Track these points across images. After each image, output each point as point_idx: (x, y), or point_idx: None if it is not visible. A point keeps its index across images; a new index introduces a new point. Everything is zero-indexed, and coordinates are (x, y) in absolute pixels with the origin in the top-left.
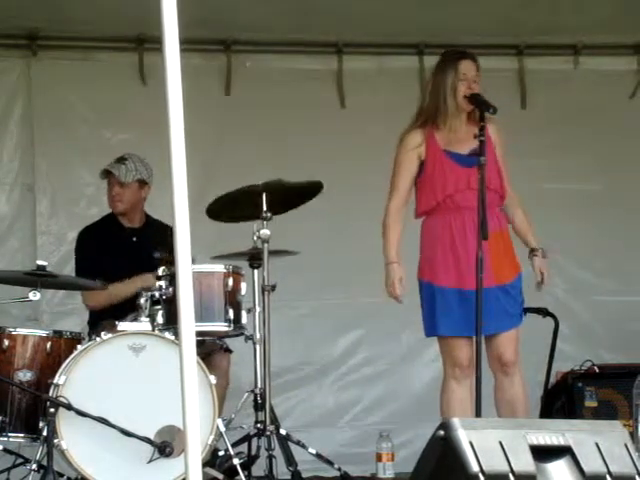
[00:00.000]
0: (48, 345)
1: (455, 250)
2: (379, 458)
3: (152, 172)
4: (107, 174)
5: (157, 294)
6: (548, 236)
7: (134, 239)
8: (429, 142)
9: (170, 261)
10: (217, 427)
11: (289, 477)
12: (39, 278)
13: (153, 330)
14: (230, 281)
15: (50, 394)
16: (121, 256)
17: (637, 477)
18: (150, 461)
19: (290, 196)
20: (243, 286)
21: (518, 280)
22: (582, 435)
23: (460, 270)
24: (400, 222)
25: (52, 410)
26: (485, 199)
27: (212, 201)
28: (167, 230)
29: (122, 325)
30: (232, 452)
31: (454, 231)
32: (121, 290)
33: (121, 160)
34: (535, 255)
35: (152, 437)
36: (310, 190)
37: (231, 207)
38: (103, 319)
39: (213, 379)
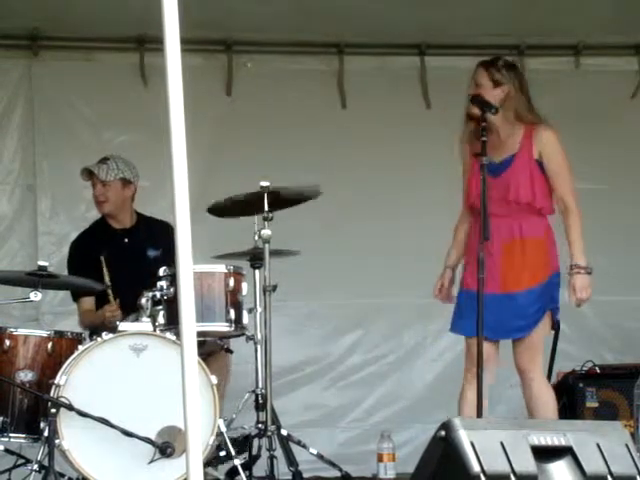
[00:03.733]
0: (49, 345)
1: (476, 254)
2: (380, 458)
3: (137, 172)
4: (88, 174)
5: (158, 294)
6: None
7: (125, 240)
8: (470, 148)
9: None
10: (218, 427)
11: (290, 477)
12: (40, 278)
13: (154, 330)
14: (231, 281)
15: (51, 394)
16: (115, 259)
17: (638, 477)
18: (151, 461)
19: (288, 200)
20: (244, 286)
21: (533, 290)
22: (583, 435)
23: (489, 275)
24: (466, 224)
25: (53, 410)
26: (487, 200)
27: (212, 204)
28: (160, 226)
29: (123, 325)
30: (233, 452)
31: (476, 236)
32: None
33: (103, 160)
34: (570, 272)
35: (153, 437)
36: (308, 196)
37: (232, 208)
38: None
39: (214, 379)
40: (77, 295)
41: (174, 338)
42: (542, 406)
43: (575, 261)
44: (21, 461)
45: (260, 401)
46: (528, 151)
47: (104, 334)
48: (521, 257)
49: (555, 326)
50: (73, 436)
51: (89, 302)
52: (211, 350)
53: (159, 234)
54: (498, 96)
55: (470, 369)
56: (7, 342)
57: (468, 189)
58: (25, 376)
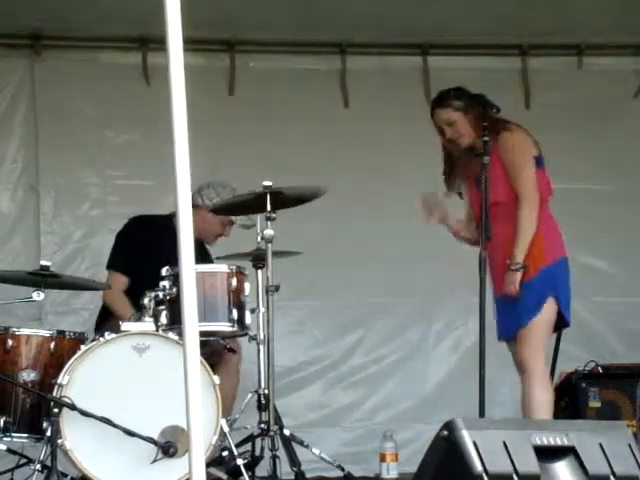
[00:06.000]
0: (52, 345)
1: (488, 258)
2: (383, 458)
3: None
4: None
5: (161, 294)
6: None
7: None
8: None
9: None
10: (221, 427)
11: (293, 477)
12: (43, 278)
13: (157, 330)
14: (234, 281)
15: (54, 394)
16: (161, 256)
17: None
18: (154, 461)
19: (292, 200)
20: (247, 286)
21: (525, 286)
22: (586, 435)
23: (490, 277)
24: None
25: (56, 410)
26: (489, 199)
27: (215, 203)
28: (202, 246)
29: (126, 325)
30: (236, 452)
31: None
32: (124, 313)
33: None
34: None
35: (156, 437)
36: (312, 196)
37: (234, 207)
38: (108, 319)
39: (217, 379)
40: (114, 265)
41: (177, 338)
42: (535, 405)
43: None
44: (23, 461)
45: (263, 401)
46: (496, 156)
47: (107, 334)
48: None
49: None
50: (75, 436)
51: (123, 282)
52: (214, 350)
53: (200, 253)
54: (474, 118)
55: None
56: (10, 342)
57: (472, 204)
58: (27, 376)
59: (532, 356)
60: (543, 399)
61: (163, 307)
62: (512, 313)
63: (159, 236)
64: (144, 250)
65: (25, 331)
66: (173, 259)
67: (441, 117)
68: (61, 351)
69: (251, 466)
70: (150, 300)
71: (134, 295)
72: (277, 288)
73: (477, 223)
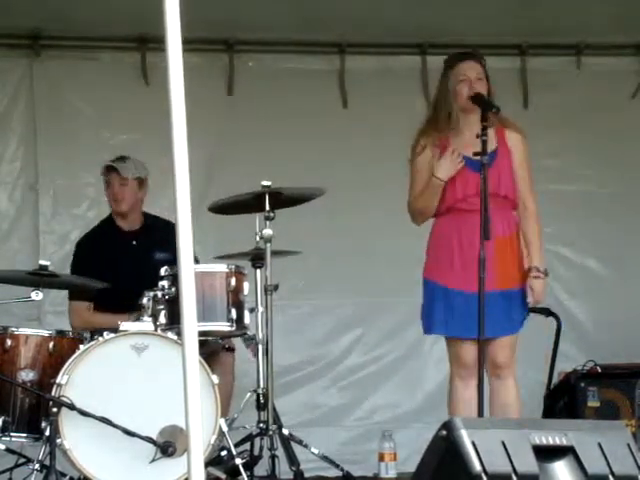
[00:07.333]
0: (50, 345)
1: (461, 252)
2: (381, 458)
3: (148, 175)
4: (109, 170)
5: (160, 294)
6: (549, 236)
7: (134, 242)
8: (442, 148)
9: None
10: (219, 427)
11: (291, 477)
12: (41, 278)
13: (155, 330)
14: (233, 281)
15: (52, 394)
16: (122, 261)
17: None
18: (152, 461)
19: (291, 200)
20: (245, 286)
21: (524, 287)
22: (585, 435)
23: (464, 272)
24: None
25: (55, 410)
26: (488, 199)
27: (214, 203)
28: (168, 228)
29: (124, 325)
30: (234, 452)
31: (462, 233)
32: (105, 322)
33: (121, 158)
34: (529, 274)
35: (154, 437)
36: (311, 196)
37: (233, 207)
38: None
39: (215, 379)
40: (75, 295)
41: (175, 338)
42: (515, 402)
43: (535, 264)
44: (22, 460)
45: (261, 400)
46: (507, 149)
47: (105, 334)
48: (511, 252)
49: (557, 326)
50: (74, 435)
51: (86, 305)
52: (213, 350)
53: (167, 236)
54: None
55: (460, 370)
56: (8, 342)
57: (445, 190)
58: (26, 375)
59: (514, 358)
60: (518, 397)
61: (162, 307)
62: (506, 313)
63: (105, 245)
64: (98, 267)
65: (24, 331)
66: (129, 252)
67: (475, 69)
68: (60, 351)
69: (250, 466)
70: (149, 300)
71: (112, 305)
72: (276, 287)
73: (449, 211)
